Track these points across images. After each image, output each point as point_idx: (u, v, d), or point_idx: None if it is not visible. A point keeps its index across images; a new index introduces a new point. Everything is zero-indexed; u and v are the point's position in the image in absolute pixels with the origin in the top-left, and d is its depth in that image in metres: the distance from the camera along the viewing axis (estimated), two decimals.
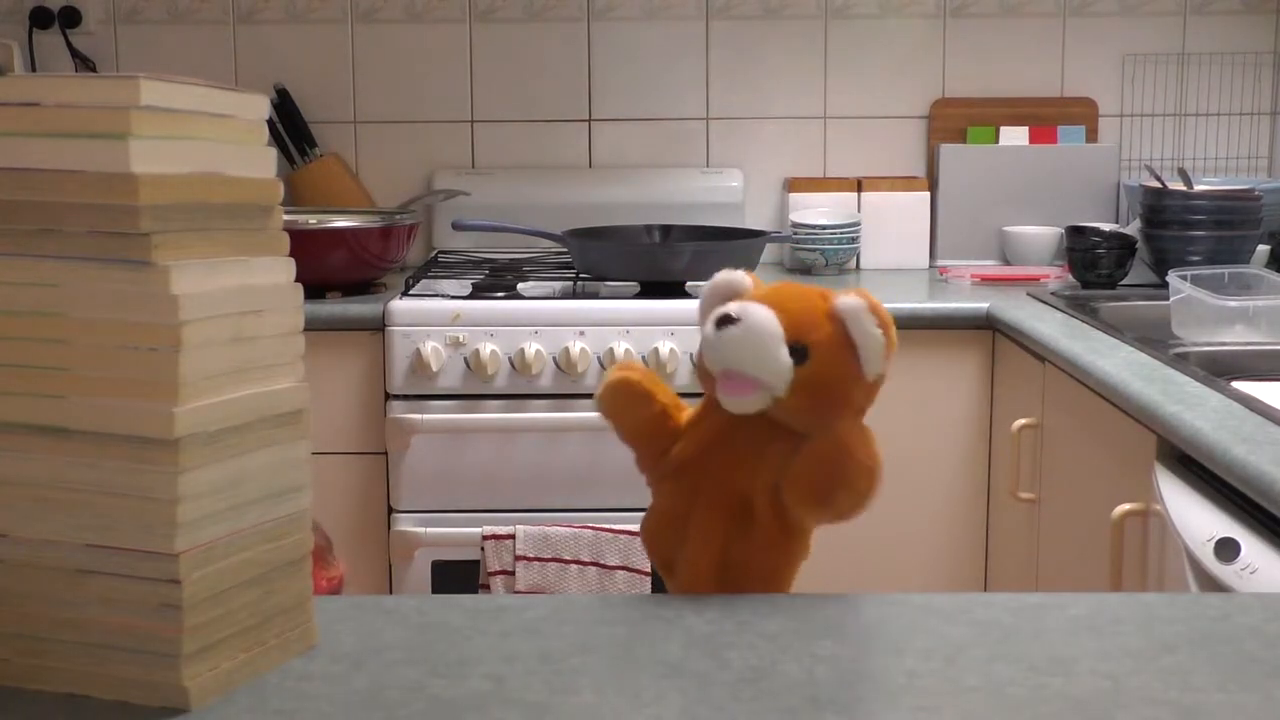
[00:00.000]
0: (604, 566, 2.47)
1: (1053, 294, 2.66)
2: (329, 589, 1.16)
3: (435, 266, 2.91)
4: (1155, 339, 2.17)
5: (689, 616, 0.97)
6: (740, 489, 1.02)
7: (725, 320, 1.00)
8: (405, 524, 2.56)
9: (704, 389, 1.06)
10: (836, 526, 1.03)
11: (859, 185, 3.12)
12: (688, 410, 1.07)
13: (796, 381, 0.99)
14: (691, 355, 2.48)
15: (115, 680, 0.83)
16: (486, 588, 2.49)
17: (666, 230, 2.94)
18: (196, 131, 0.85)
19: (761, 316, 1.00)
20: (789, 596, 1.03)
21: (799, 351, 1.00)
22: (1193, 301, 2.22)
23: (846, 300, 1.00)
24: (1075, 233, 2.78)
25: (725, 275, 1.05)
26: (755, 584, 1.03)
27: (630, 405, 1.06)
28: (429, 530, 2.56)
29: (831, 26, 3.18)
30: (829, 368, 1.00)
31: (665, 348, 2.48)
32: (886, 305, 1.02)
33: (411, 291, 2.65)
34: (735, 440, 1.03)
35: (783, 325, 1.00)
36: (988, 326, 2.59)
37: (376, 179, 3.19)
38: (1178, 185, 2.79)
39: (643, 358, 2.51)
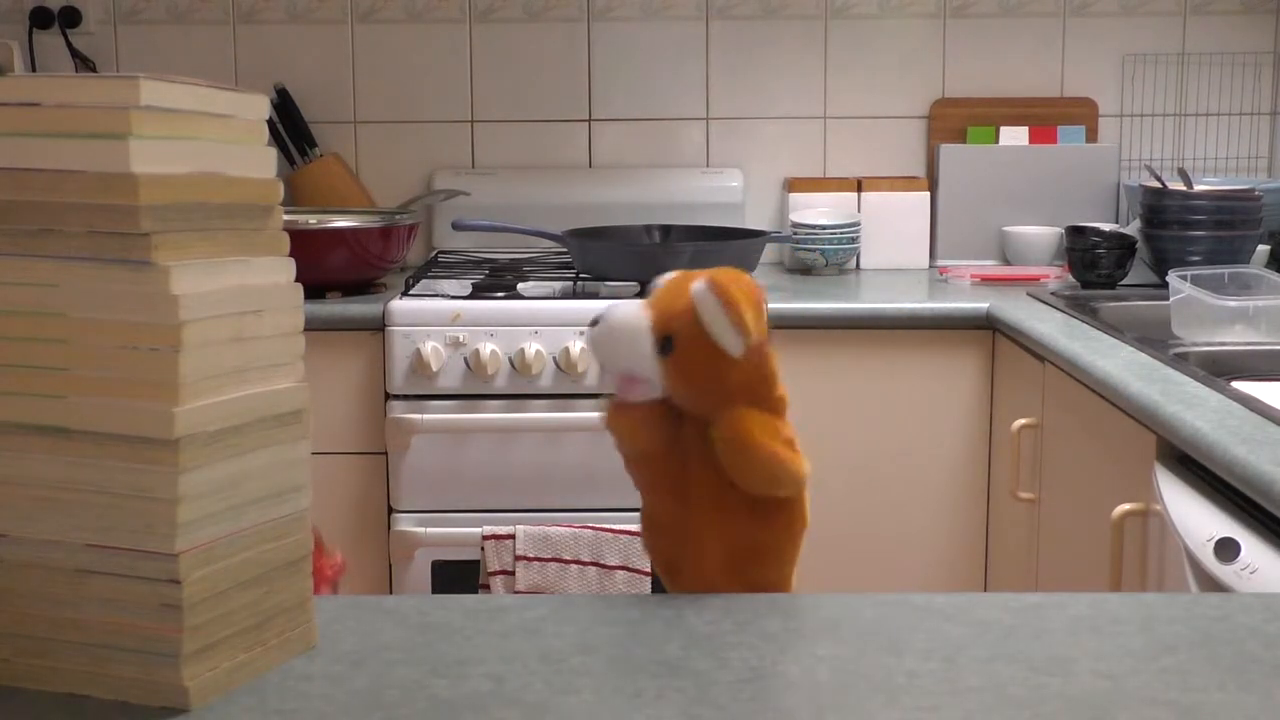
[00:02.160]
0: (604, 566, 2.47)
1: (1053, 294, 2.66)
2: (334, 576, 1.16)
3: (435, 266, 2.91)
4: (1155, 339, 2.17)
5: (689, 616, 0.97)
6: (717, 474, 1.03)
7: (593, 322, 1.03)
8: (405, 524, 2.56)
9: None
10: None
11: (859, 185, 3.12)
12: None
13: (667, 371, 1.01)
14: None
15: (115, 680, 0.84)
16: (486, 588, 2.49)
17: (666, 230, 2.94)
18: (196, 131, 0.85)
19: (623, 313, 1.02)
20: (789, 596, 1.03)
21: (665, 342, 1.01)
22: (1193, 301, 2.22)
23: (696, 285, 1.01)
24: (1075, 233, 2.78)
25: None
26: (767, 561, 1.04)
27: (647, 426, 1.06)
28: (429, 530, 2.56)
29: (831, 26, 3.18)
30: (693, 353, 1.01)
31: None
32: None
33: (411, 291, 2.65)
34: (687, 430, 1.03)
35: (652, 318, 1.02)
36: (988, 326, 2.59)
37: (376, 179, 3.19)
38: (1178, 185, 2.79)
39: None
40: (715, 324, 1.00)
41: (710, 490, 1.03)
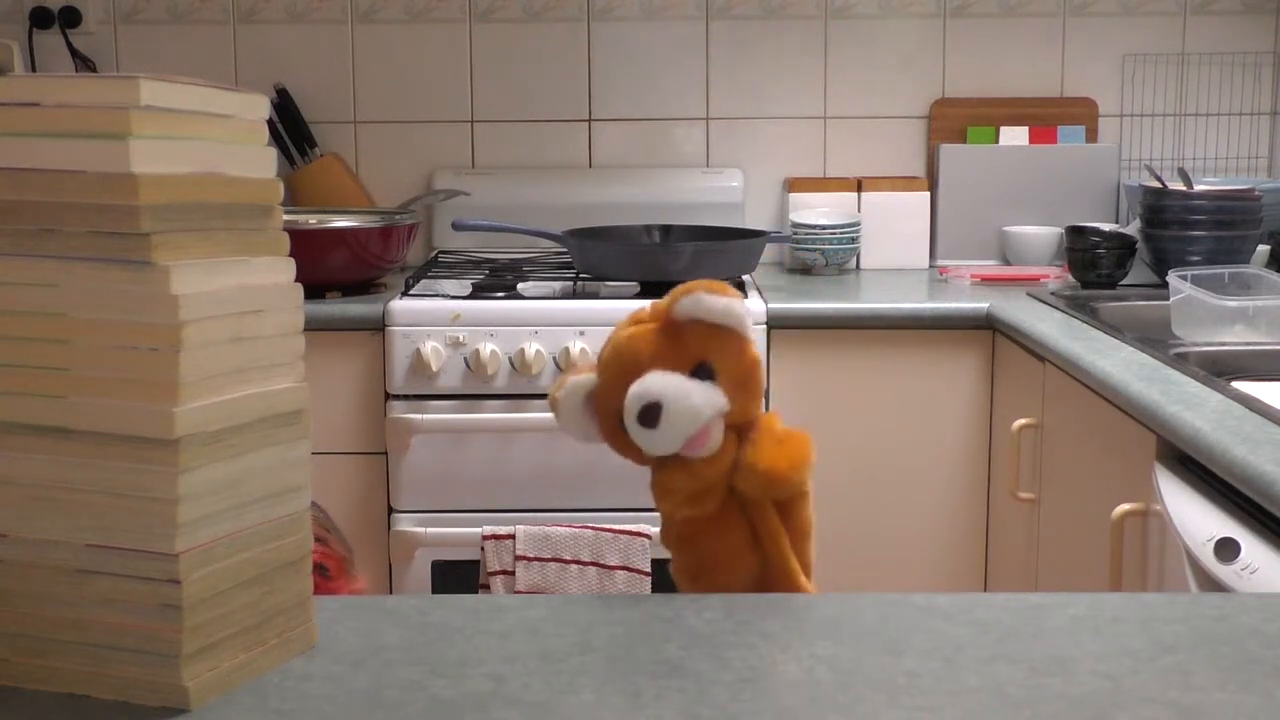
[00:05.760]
0: (604, 566, 2.47)
1: (1053, 294, 2.66)
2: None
3: (435, 266, 2.91)
4: (1155, 339, 2.17)
5: (689, 616, 0.97)
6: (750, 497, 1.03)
7: (645, 417, 0.99)
8: (405, 524, 2.56)
9: None
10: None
11: (859, 185, 3.12)
12: None
13: (725, 390, 1.01)
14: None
15: (115, 680, 0.84)
16: (486, 588, 2.49)
17: (666, 230, 2.94)
18: (196, 131, 0.85)
19: (662, 384, 1.00)
20: (789, 596, 1.03)
21: (705, 370, 1.01)
22: (1193, 301, 2.22)
23: (682, 302, 1.02)
24: (1075, 233, 2.78)
25: (570, 385, 1.04)
26: (780, 563, 1.04)
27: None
28: (429, 530, 2.56)
29: (831, 26, 3.18)
30: (733, 360, 1.02)
31: None
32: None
33: (411, 291, 2.65)
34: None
35: (674, 368, 1.00)
36: (988, 326, 2.59)
37: (376, 179, 3.19)
38: (1178, 185, 2.79)
39: None
40: (730, 316, 1.01)
41: (744, 512, 1.03)
